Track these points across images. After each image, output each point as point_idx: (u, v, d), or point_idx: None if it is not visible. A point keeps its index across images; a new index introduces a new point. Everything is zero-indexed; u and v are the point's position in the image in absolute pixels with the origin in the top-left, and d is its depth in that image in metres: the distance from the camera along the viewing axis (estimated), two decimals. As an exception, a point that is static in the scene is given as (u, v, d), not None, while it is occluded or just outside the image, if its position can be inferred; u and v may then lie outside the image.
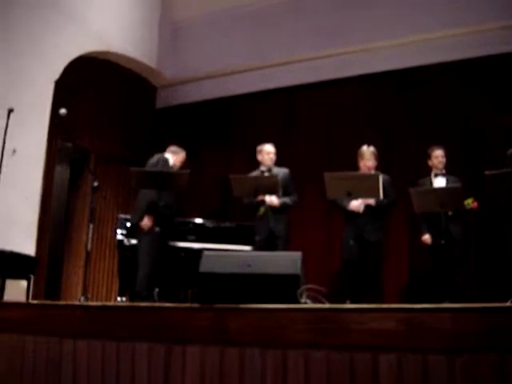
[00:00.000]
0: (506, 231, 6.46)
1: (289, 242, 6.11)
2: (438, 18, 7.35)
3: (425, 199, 5.46)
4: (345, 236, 5.94)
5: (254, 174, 6.21)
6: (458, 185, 5.66)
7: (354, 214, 5.85)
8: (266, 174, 6.09)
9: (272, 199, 5.93)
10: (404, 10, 7.57)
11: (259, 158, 6.28)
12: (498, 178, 4.84)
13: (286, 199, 6.09)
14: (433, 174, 6.14)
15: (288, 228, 6.15)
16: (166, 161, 6.20)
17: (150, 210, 5.86)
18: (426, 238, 5.98)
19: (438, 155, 6.12)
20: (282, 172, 6.18)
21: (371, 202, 5.84)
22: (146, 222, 5.88)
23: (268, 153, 6.25)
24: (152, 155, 6.37)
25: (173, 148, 6.41)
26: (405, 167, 7.41)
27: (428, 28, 7.45)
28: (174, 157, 6.31)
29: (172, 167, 6.21)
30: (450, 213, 5.62)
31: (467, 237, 6.01)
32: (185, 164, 6.42)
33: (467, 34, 7.26)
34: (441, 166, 6.11)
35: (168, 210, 6.06)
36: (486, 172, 4.86)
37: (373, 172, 5.99)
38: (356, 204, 5.84)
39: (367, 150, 6.10)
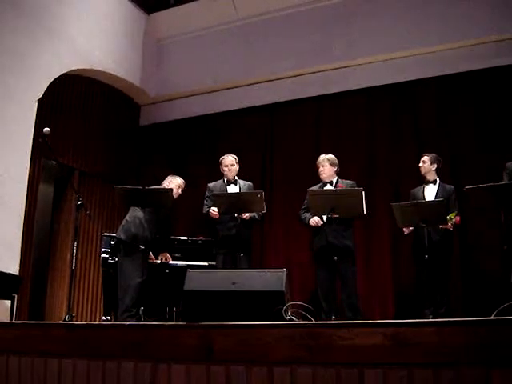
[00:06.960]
0: (489, 245, 6.50)
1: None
2: (421, 35, 7.44)
3: (407, 214, 5.46)
4: (313, 251, 5.91)
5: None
6: (440, 199, 5.65)
7: (318, 228, 5.82)
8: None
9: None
10: (386, 27, 7.65)
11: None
12: (478, 192, 4.88)
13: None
14: (425, 183, 6.12)
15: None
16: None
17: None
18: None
19: (421, 161, 6.14)
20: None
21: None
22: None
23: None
24: (136, 172, 6.34)
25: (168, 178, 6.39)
26: (387, 183, 7.45)
27: (410, 44, 7.53)
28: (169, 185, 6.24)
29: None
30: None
31: (451, 251, 6.01)
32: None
33: (451, 50, 7.36)
34: (423, 171, 6.09)
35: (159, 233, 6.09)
36: (466, 187, 4.90)
37: (350, 182, 6.04)
38: (316, 219, 5.79)
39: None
